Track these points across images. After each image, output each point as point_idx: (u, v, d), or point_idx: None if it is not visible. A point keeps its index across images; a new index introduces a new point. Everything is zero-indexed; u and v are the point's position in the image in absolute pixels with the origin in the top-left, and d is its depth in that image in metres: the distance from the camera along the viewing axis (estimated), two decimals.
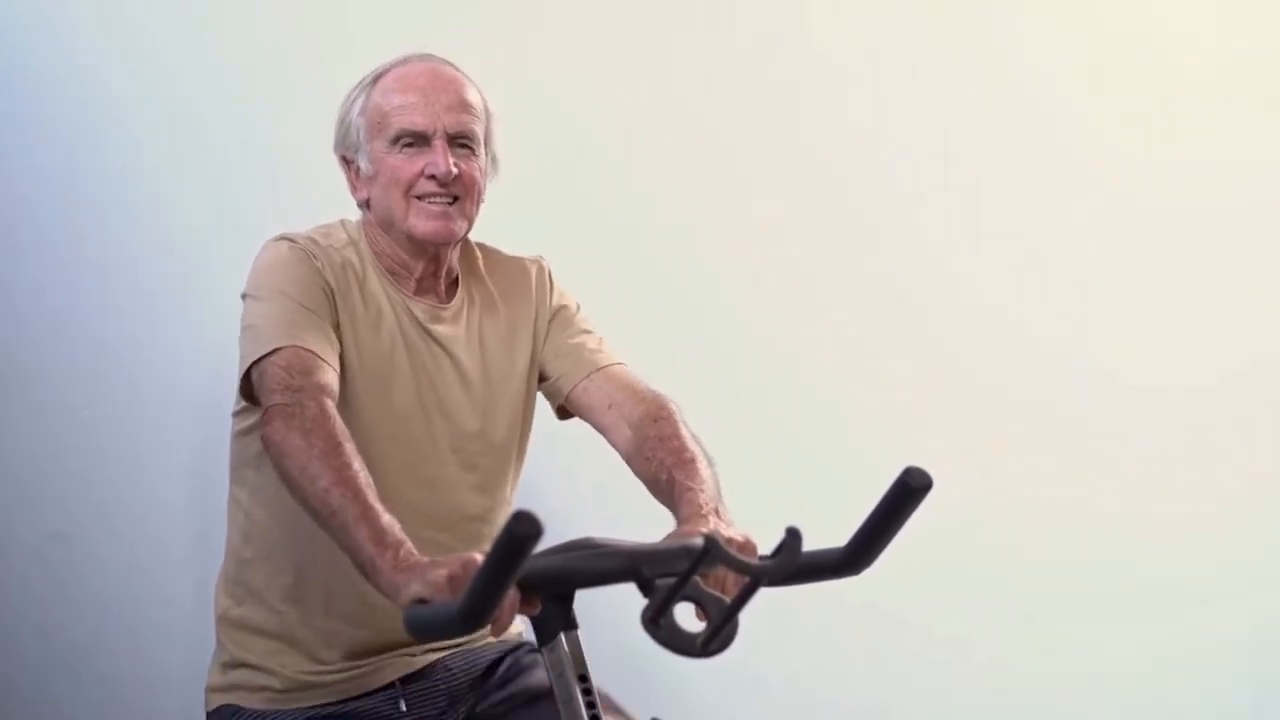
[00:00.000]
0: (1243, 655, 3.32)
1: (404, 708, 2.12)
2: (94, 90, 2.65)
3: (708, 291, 3.00)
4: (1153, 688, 3.26)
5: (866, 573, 1.80)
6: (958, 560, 3.09)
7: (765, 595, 1.67)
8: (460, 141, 2.12)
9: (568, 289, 2.29)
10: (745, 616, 1.61)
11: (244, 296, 2.06)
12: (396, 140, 2.10)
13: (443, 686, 2.16)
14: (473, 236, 2.21)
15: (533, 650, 2.19)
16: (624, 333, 2.29)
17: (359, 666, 2.11)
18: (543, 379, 2.24)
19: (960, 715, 3.14)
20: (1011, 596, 3.15)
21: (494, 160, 2.18)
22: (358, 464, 1.83)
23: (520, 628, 2.24)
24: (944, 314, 3.15)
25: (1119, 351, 3.27)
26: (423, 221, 2.11)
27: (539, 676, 2.14)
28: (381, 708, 2.12)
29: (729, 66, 3.04)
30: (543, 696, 2.09)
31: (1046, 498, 3.19)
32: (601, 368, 2.19)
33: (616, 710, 2.11)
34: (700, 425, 2.10)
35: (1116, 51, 3.29)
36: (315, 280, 2.06)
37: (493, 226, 2.21)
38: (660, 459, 2.01)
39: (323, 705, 2.10)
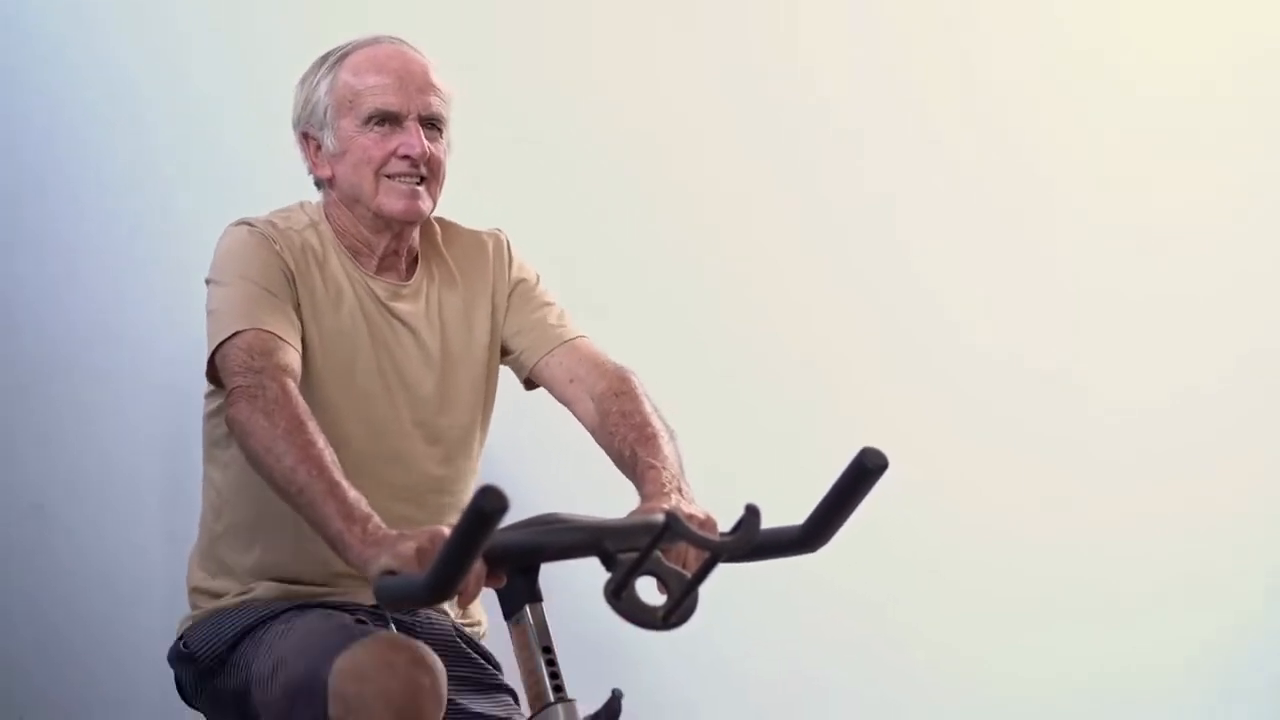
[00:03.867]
0: (1217, 660, 3.35)
1: (394, 628, 2.11)
2: (107, 74, 2.66)
3: (680, 280, 3.02)
4: (1128, 692, 3.28)
5: (841, 558, 1.85)
6: (931, 565, 3.12)
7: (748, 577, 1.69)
8: (430, 123, 2.15)
9: (527, 260, 2.31)
10: (709, 592, 1.65)
11: (207, 282, 2.10)
12: (369, 120, 2.13)
13: (421, 633, 2.14)
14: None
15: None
16: (596, 317, 2.32)
17: (338, 586, 2.12)
18: (505, 353, 2.26)
19: (916, 692, 3.19)
20: (981, 599, 3.17)
21: (448, 143, 2.21)
22: (321, 441, 1.86)
23: (485, 620, 2.28)
24: (916, 316, 3.17)
25: (1095, 361, 3.28)
26: (393, 200, 2.14)
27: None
28: (369, 613, 2.11)
29: (712, 66, 3.05)
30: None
31: (1018, 504, 3.20)
32: (564, 342, 2.22)
33: None
34: (667, 408, 2.13)
35: (1095, 69, 3.31)
36: (275, 263, 2.09)
37: (468, 210, 2.25)
38: (623, 434, 2.05)
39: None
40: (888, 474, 1.75)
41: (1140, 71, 3.35)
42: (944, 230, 3.21)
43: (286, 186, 2.42)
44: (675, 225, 3.03)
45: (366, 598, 2.08)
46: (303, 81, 2.20)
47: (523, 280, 2.28)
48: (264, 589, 2.13)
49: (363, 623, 2.04)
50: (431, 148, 2.14)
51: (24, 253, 2.63)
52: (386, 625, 2.11)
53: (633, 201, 3.01)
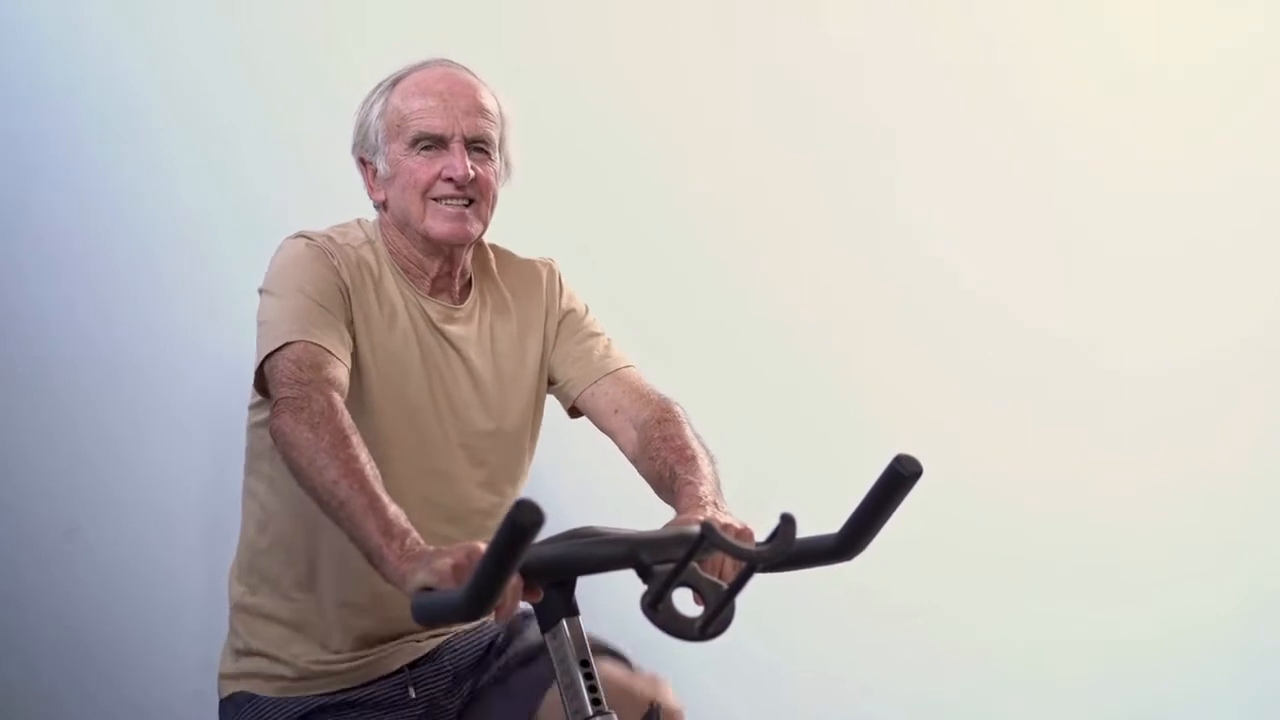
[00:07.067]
0: (1230, 628, 3.36)
1: (413, 694, 2.17)
2: (113, 85, 2.68)
3: (711, 280, 3.05)
4: (1139, 659, 3.30)
5: (871, 559, 1.85)
6: (945, 540, 3.12)
7: (770, 581, 1.70)
8: (477, 145, 2.16)
9: (576, 291, 2.33)
10: (744, 601, 1.65)
11: (261, 292, 2.10)
12: (415, 143, 2.15)
13: (448, 667, 2.21)
14: (488, 236, 2.25)
15: (526, 615, 2.22)
16: (624, 321, 2.34)
17: (368, 655, 2.16)
18: (552, 382, 2.28)
19: (944, 690, 3.19)
20: (993, 574, 3.20)
21: (507, 164, 2.22)
22: (364, 456, 1.87)
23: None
24: (934, 301, 3.20)
25: (1106, 336, 3.32)
26: (439, 223, 2.15)
27: (534, 633, 2.16)
28: (392, 693, 2.17)
29: (737, 61, 3.09)
30: (538, 654, 2.13)
31: (1030, 477, 3.24)
32: (609, 373, 2.23)
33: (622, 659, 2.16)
34: (701, 415, 2.14)
35: (1101, 43, 3.34)
36: (331, 278, 2.10)
37: (506, 220, 2.26)
38: (664, 457, 2.06)
39: (334, 693, 2.15)
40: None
41: (1152, 49, 3.38)
42: (978, 232, 3.23)
43: (287, 185, 2.41)
44: (704, 227, 3.06)
45: (403, 656, 2.16)
46: (360, 107, 2.22)
47: (572, 310, 2.29)
48: (296, 659, 2.14)
49: None
50: (478, 169, 2.15)
51: (64, 269, 2.65)
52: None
53: (661, 206, 3.03)
